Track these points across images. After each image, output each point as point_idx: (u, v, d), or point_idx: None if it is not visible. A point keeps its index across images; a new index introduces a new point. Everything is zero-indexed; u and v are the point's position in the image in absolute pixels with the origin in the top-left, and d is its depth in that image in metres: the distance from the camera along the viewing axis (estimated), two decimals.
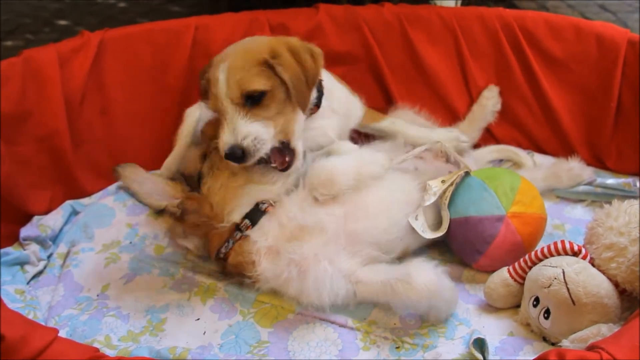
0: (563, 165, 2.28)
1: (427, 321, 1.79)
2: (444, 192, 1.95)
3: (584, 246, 1.74)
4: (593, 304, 1.60)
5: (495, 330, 1.75)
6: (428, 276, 1.70)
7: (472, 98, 2.49)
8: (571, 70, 2.37)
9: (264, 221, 1.82)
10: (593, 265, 1.68)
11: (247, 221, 1.82)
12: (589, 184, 2.24)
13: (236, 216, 1.83)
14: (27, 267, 1.99)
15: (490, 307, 1.83)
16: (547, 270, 1.66)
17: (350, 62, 2.48)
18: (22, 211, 2.12)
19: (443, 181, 1.94)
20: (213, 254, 1.88)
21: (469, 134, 2.38)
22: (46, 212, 2.17)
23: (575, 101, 2.39)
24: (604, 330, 1.54)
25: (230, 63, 1.77)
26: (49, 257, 2.07)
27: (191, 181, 1.91)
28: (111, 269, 2.01)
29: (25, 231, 2.06)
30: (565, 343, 1.57)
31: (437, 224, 1.96)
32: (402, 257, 1.92)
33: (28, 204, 2.13)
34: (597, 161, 2.35)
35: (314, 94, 1.92)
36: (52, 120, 2.15)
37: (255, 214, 1.83)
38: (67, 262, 2.03)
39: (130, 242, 2.11)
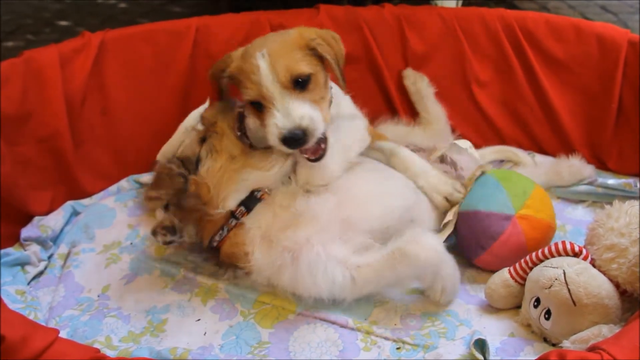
0: (564, 162, 2.29)
1: (431, 306, 1.82)
2: None
3: (584, 247, 1.74)
4: (594, 305, 1.60)
5: (496, 330, 1.75)
6: (430, 240, 1.73)
7: (473, 98, 2.49)
8: (572, 71, 2.37)
9: (258, 208, 1.83)
10: (594, 266, 1.68)
11: (242, 208, 1.83)
12: (590, 183, 2.24)
13: (231, 203, 1.83)
14: (28, 268, 1.99)
15: (491, 308, 1.83)
16: (548, 271, 1.66)
17: (350, 63, 2.47)
18: (23, 212, 2.12)
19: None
20: (206, 241, 1.89)
21: (432, 118, 2.42)
22: (47, 213, 2.17)
23: (576, 102, 2.39)
24: (605, 331, 1.54)
25: (269, 51, 1.76)
26: (50, 257, 2.07)
27: (188, 164, 1.88)
28: (112, 269, 2.01)
29: (25, 232, 2.06)
30: (566, 344, 1.57)
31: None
32: None
33: (29, 205, 2.13)
34: (598, 162, 2.35)
35: None
36: (53, 121, 2.15)
37: (250, 201, 1.83)
38: (67, 262, 2.03)
39: (131, 243, 2.11)
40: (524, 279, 1.76)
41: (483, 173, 2.01)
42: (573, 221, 2.17)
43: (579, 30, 2.34)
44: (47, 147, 2.16)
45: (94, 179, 2.31)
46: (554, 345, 1.68)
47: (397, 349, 1.70)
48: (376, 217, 1.85)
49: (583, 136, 2.39)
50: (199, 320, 1.82)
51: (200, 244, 1.98)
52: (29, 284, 1.97)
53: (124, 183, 2.35)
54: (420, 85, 2.45)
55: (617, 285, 1.65)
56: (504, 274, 1.80)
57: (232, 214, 1.84)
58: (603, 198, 2.21)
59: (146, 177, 2.35)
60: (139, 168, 2.38)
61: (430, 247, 1.72)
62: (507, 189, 1.92)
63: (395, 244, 1.74)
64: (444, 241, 1.95)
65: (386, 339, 1.73)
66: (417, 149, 2.13)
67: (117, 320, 1.82)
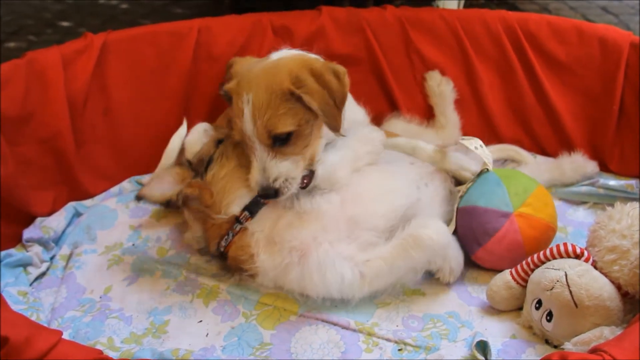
0: (566, 159, 2.30)
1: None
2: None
3: (586, 249, 1.74)
4: (595, 307, 1.60)
5: (497, 332, 1.75)
6: (439, 223, 1.79)
7: (475, 100, 2.49)
8: (574, 73, 2.37)
9: (262, 212, 1.83)
10: (595, 267, 1.68)
11: (246, 213, 1.83)
12: (592, 184, 2.24)
13: (235, 208, 1.84)
14: (30, 269, 2.00)
15: (492, 310, 1.83)
16: (550, 273, 1.66)
17: (352, 65, 2.47)
18: (25, 213, 2.12)
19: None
20: (212, 247, 1.89)
21: (447, 123, 2.43)
22: (49, 214, 2.17)
23: (577, 103, 2.39)
24: (607, 332, 1.54)
25: (254, 97, 1.71)
26: (52, 258, 2.07)
27: (199, 166, 1.90)
28: (114, 270, 2.01)
29: (28, 233, 2.07)
30: (568, 346, 1.57)
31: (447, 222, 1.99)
32: None
33: (31, 206, 2.13)
34: (600, 163, 2.35)
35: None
36: (55, 122, 2.15)
37: (254, 206, 1.84)
38: (69, 263, 2.03)
39: (133, 244, 2.11)
40: (526, 281, 1.76)
41: (487, 170, 2.01)
42: (574, 223, 2.18)
43: (581, 32, 2.34)
44: (49, 148, 2.17)
45: (96, 179, 2.32)
46: (555, 347, 1.68)
47: (399, 350, 1.70)
48: (380, 215, 1.85)
49: (584, 137, 2.39)
50: (200, 321, 1.82)
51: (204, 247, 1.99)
52: (31, 285, 1.97)
53: (125, 184, 2.35)
54: (444, 89, 2.46)
55: (618, 287, 1.65)
56: (505, 276, 1.80)
57: (236, 219, 1.84)
58: (604, 199, 2.21)
59: (148, 178, 2.35)
60: (140, 169, 2.39)
61: (440, 229, 1.77)
62: (508, 186, 1.93)
63: (405, 232, 1.77)
64: None
65: (388, 340, 1.73)
66: None
67: (119, 321, 1.82)
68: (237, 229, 1.84)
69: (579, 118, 2.39)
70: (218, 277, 1.95)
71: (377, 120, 2.35)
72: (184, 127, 2.13)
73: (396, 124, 2.37)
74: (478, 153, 2.05)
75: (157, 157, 2.34)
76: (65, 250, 2.09)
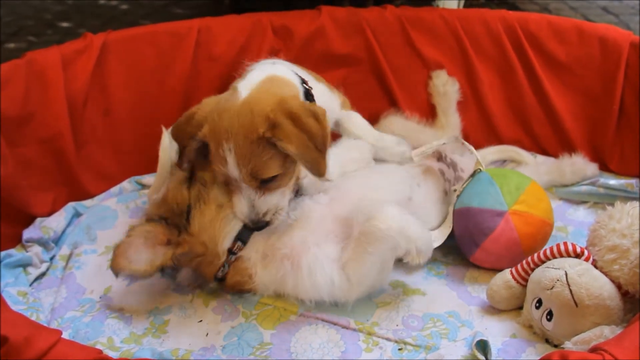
0: (567, 160, 2.30)
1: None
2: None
3: (586, 248, 1.74)
4: (596, 306, 1.60)
5: (497, 332, 1.75)
6: (386, 211, 1.72)
7: (475, 99, 2.49)
8: (574, 73, 2.37)
9: (253, 237, 1.81)
10: (596, 267, 1.68)
11: (239, 243, 1.80)
12: (592, 184, 2.24)
13: (227, 243, 1.80)
14: (30, 269, 1.99)
15: (492, 309, 1.83)
16: (550, 272, 1.66)
17: (352, 64, 2.49)
18: (25, 213, 2.12)
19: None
20: (211, 280, 1.85)
21: (449, 124, 2.43)
22: (49, 214, 2.17)
23: (577, 103, 2.39)
24: (607, 332, 1.54)
25: (235, 147, 1.67)
26: (52, 259, 2.07)
27: (179, 219, 1.81)
28: None
29: (27, 233, 2.06)
30: (568, 345, 1.57)
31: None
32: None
33: (31, 206, 2.13)
34: (600, 163, 2.35)
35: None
36: (55, 122, 2.15)
37: (244, 234, 1.80)
38: (69, 264, 2.03)
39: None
40: (526, 280, 1.76)
41: (479, 171, 2.01)
42: (575, 222, 2.18)
43: (581, 32, 2.34)
44: (49, 148, 2.16)
45: (96, 180, 2.31)
46: (555, 346, 1.68)
47: (399, 349, 1.70)
48: (368, 212, 1.83)
49: (584, 137, 2.39)
50: (200, 321, 1.82)
51: None
52: (30, 285, 1.96)
53: (125, 184, 2.35)
54: (449, 89, 2.45)
55: (618, 287, 1.65)
56: (505, 275, 1.80)
57: (229, 251, 1.80)
58: (605, 199, 2.21)
59: (148, 178, 2.35)
60: (140, 169, 2.38)
61: (386, 216, 1.70)
62: (500, 185, 1.94)
63: (358, 229, 1.75)
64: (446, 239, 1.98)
65: (388, 340, 1.73)
66: (413, 147, 2.13)
67: (119, 321, 1.81)
68: (232, 259, 1.81)
69: (579, 118, 2.39)
70: None
71: (375, 119, 2.35)
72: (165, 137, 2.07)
73: (394, 121, 2.36)
74: (473, 152, 2.05)
75: (157, 158, 2.34)
76: (65, 250, 2.09)
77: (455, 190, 2.03)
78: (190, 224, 1.78)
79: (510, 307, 1.81)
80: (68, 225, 2.18)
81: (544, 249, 1.76)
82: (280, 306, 1.83)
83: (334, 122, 2.03)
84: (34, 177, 2.14)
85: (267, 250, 1.79)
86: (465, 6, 3.05)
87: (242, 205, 1.74)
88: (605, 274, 1.65)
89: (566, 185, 2.29)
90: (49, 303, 1.90)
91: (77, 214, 2.23)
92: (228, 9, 3.90)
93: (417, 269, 1.99)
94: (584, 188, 2.25)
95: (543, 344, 1.70)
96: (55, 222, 2.14)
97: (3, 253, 1.99)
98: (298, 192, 1.84)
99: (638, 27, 3.88)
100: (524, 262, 1.79)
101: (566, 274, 1.63)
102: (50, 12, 4.38)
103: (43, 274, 2.02)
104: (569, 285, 1.61)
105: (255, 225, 1.75)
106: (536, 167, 2.32)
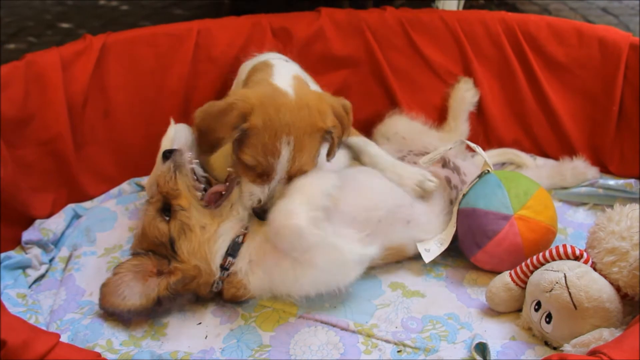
0: (568, 164, 2.29)
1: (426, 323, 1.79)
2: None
3: (585, 250, 1.74)
4: (595, 309, 1.60)
5: (497, 334, 1.75)
6: (278, 211, 1.71)
7: (476, 101, 2.49)
8: (574, 74, 2.37)
9: (243, 250, 1.81)
10: (595, 269, 1.68)
11: (230, 259, 1.80)
12: (591, 185, 2.24)
13: (219, 260, 1.80)
14: (29, 271, 2.00)
15: (492, 311, 1.83)
16: (549, 275, 1.66)
17: (352, 66, 2.49)
18: (24, 215, 2.12)
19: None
20: (207, 295, 1.85)
21: (457, 129, 2.42)
22: (48, 216, 2.17)
23: (577, 105, 2.39)
24: (606, 334, 1.54)
25: (296, 140, 1.74)
26: (51, 260, 2.07)
27: (164, 250, 1.80)
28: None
29: (27, 235, 2.07)
30: (567, 347, 1.57)
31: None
32: (399, 260, 1.99)
33: (30, 208, 2.13)
34: (600, 165, 2.35)
35: None
36: (55, 124, 2.15)
37: (234, 249, 1.81)
38: (69, 265, 2.03)
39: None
40: (525, 283, 1.76)
41: (487, 172, 2.00)
42: (574, 224, 2.18)
43: (581, 34, 2.34)
44: (49, 150, 2.17)
45: (96, 181, 2.32)
46: (555, 348, 1.68)
47: (398, 352, 1.70)
48: (361, 208, 1.85)
49: (584, 139, 2.39)
50: (200, 323, 1.82)
51: None
52: (30, 287, 1.97)
53: (125, 186, 2.35)
54: (468, 96, 2.44)
55: (618, 289, 1.65)
56: (504, 278, 1.80)
57: (221, 267, 1.81)
58: (604, 200, 2.22)
59: (147, 180, 2.35)
60: (140, 171, 2.38)
61: (277, 220, 1.70)
62: (508, 189, 1.93)
63: None
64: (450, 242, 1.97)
65: (387, 341, 1.73)
66: (420, 152, 2.13)
67: (118, 323, 1.81)
68: (225, 275, 1.81)
69: (578, 119, 2.39)
70: None
71: (375, 120, 2.34)
72: (171, 128, 2.11)
73: (398, 120, 2.35)
74: (480, 153, 2.04)
75: (155, 159, 2.34)
76: (64, 252, 2.09)
77: (460, 192, 2.02)
78: (178, 253, 1.78)
79: (509, 309, 1.81)
80: (67, 227, 2.18)
81: (543, 251, 1.76)
82: (280, 308, 1.83)
83: None
84: (33, 179, 2.14)
85: (259, 258, 1.79)
86: (465, 7, 3.05)
87: (262, 193, 1.77)
88: (605, 276, 1.65)
89: (566, 188, 2.28)
90: (48, 305, 1.90)
91: (76, 216, 2.23)
92: (228, 10, 3.91)
93: (417, 271, 1.99)
94: (583, 189, 2.25)
95: (542, 347, 1.70)
96: (55, 223, 2.14)
97: (2, 255, 1.99)
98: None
99: (638, 28, 3.88)
100: (523, 264, 1.78)
101: (565, 277, 1.63)
102: (50, 13, 4.38)
103: (42, 276, 2.02)
104: (568, 287, 1.61)
105: (262, 210, 1.78)
106: (536, 170, 2.32)
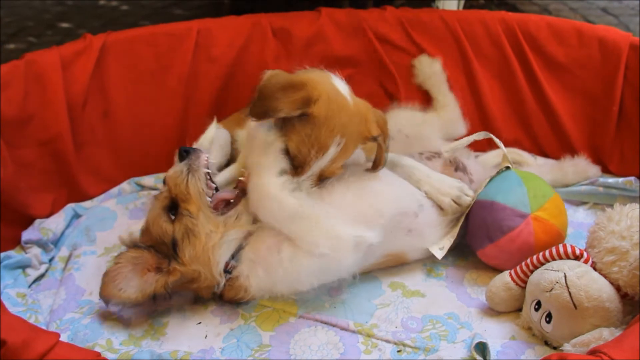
0: (569, 162, 2.29)
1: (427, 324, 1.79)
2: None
3: (585, 250, 1.74)
4: (595, 308, 1.60)
5: (497, 333, 1.75)
6: (250, 191, 1.75)
7: (476, 100, 2.49)
8: (573, 74, 2.37)
9: (245, 253, 1.79)
10: (595, 269, 1.67)
11: (232, 262, 1.79)
12: (591, 183, 2.24)
13: (221, 266, 1.78)
14: (29, 271, 2.00)
15: (492, 311, 1.83)
16: (549, 274, 1.66)
17: (353, 66, 2.49)
18: (24, 214, 2.12)
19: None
20: (208, 297, 1.85)
21: (447, 101, 2.43)
22: (48, 216, 2.17)
23: (577, 105, 2.39)
24: (606, 334, 1.54)
25: (346, 143, 1.76)
26: (51, 260, 2.07)
27: (165, 248, 1.78)
28: None
29: (26, 234, 2.07)
30: (567, 347, 1.57)
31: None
32: (400, 264, 1.98)
33: (30, 207, 2.13)
34: (599, 164, 2.35)
35: None
36: (55, 124, 2.15)
37: (236, 252, 1.80)
38: (68, 265, 2.03)
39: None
40: (525, 282, 1.76)
41: (508, 168, 2.00)
42: (574, 224, 2.17)
43: (581, 34, 2.34)
44: (49, 150, 2.17)
45: (95, 181, 2.32)
46: (555, 348, 1.68)
47: (398, 351, 1.70)
48: (363, 213, 1.82)
49: (584, 139, 2.39)
50: (199, 323, 1.82)
51: None
52: (29, 286, 1.97)
53: (125, 185, 2.35)
54: (436, 68, 2.45)
55: (618, 289, 1.65)
56: (504, 277, 1.80)
57: (224, 270, 1.80)
58: (604, 199, 2.22)
59: (147, 179, 2.35)
60: (140, 170, 2.39)
61: (257, 185, 1.74)
62: (529, 188, 1.92)
63: None
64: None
65: (387, 341, 1.73)
66: (432, 155, 2.12)
67: (117, 323, 1.81)
68: (228, 278, 1.79)
69: (578, 119, 2.39)
70: None
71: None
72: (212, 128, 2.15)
73: (398, 116, 2.32)
74: (502, 148, 2.04)
75: (156, 159, 2.35)
76: (64, 251, 2.09)
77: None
78: (180, 255, 1.76)
79: (509, 308, 1.81)
80: (67, 226, 2.18)
81: (543, 251, 1.76)
82: (280, 308, 1.83)
83: None
84: (33, 179, 2.14)
85: (252, 256, 1.78)
86: (465, 7, 3.05)
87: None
88: (605, 276, 1.65)
89: (566, 186, 2.28)
90: (48, 305, 1.90)
91: (76, 215, 2.23)
92: (228, 10, 3.90)
93: (417, 271, 1.99)
94: (583, 188, 2.25)
95: (542, 346, 1.70)
96: (55, 223, 2.14)
97: (2, 254, 1.99)
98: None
99: (638, 29, 3.88)
100: (523, 264, 1.78)
101: (565, 276, 1.63)
102: (50, 13, 4.38)
103: (42, 276, 2.02)
104: (568, 287, 1.61)
105: None
106: (538, 167, 2.32)
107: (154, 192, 2.30)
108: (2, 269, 1.95)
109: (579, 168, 2.28)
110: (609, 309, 1.61)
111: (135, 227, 2.08)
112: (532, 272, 1.75)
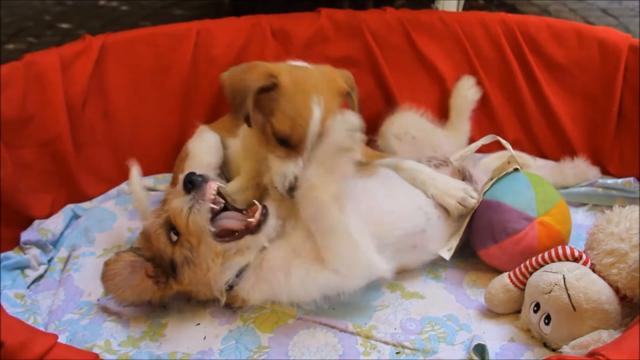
0: (569, 163, 2.30)
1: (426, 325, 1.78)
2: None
3: (584, 252, 1.74)
4: (594, 310, 1.60)
5: (496, 335, 1.75)
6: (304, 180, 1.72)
7: (476, 102, 2.48)
8: (573, 76, 2.37)
9: (248, 272, 1.77)
10: (594, 271, 1.67)
11: (236, 279, 1.77)
12: (591, 184, 2.24)
13: (221, 286, 1.77)
14: (28, 272, 2.00)
15: (491, 313, 1.83)
16: (548, 276, 1.66)
17: (352, 67, 2.47)
18: (23, 215, 2.12)
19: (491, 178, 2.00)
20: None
21: (461, 128, 2.42)
22: (47, 216, 2.17)
23: (577, 106, 2.39)
24: (605, 336, 1.54)
25: (325, 100, 1.77)
26: (50, 261, 2.07)
27: (161, 261, 1.77)
28: None
29: (25, 235, 2.06)
30: (566, 349, 1.57)
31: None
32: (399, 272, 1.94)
33: (29, 208, 2.13)
34: (599, 166, 2.35)
35: None
36: (54, 124, 2.15)
37: (240, 272, 1.78)
38: (67, 266, 2.03)
39: (131, 247, 2.10)
40: (524, 284, 1.76)
41: (517, 170, 2.00)
42: (574, 225, 2.14)
43: (580, 35, 2.34)
44: (48, 151, 2.17)
45: (95, 182, 2.32)
46: (553, 350, 1.68)
47: (397, 353, 1.70)
48: (371, 232, 1.78)
49: (584, 140, 2.39)
50: (198, 324, 1.82)
51: None
52: (28, 287, 1.97)
53: (124, 186, 2.35)
54: (470, 94, 2.44)
55: (617, 291, 1.65)
56: (503, 279, 1.80)
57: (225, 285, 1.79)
58: (603, 201, 2.22)
59: (147, 181, 2.35)
60: (149, 170, 2.38)
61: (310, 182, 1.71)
62: (537, 192, 1.91)
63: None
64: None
65: (386, 343, 1.73)
66: (440, 163, 2.10)
67: (116, 324, 1.81)
68: (228, 290, 1.78)
69: (578, 120, 2.39)
70: None
71: (375, 121, 2.33)
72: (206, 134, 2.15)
73: (408, 117, 2.32)
74: (510, 151, 2.04)
75: (155, 159, 2.35)
76: (63, 252, 2.09)
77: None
78: (179, 277, 1.76)
79: (508, 310, 1.81)
80: (66, 227, 2.18)
81: (542, 253, 1.76)
82: (278, 310, 1.82)
83: None
84: (32, 179, 2.14)
85: (256, 274, 1.76)
86: (464, 8, 3.05)
87: (296, 167, 1.76)
88: (604, 278, 1.65)
89: (566, 187, 2.28)
90: (46, 305, 1.90)
91: (75, 216, 2.23)
92: (227, 11, 3.91)
93: (416, 273, 1.99)
94: (582, 189, 2.25)
95: (541, 348, 1.70)
96: (54, 224, 2.14)
97: (1, 255, 2.00)
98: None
99: (638, 30, 3.88)
100: (522, 265, 1.78)
101: (564, 278, 1.63)
102: (50, 13, 4.38)
103: (41, 277, 2.02)
104: (566, 289, 1.61)
105: (291, 188, 1.76)
106: (538, 169, 2.31)
107: (153, 193, 2.30)
108: (1, 269, 1.95)
109: (579, 170, 2.28)
110: (607, 311, 1.61)
111: (133, 227, 2.08)
112: (531, 274, 1.75)
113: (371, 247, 1.72)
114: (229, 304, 1.82)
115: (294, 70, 1.82)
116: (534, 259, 1.76)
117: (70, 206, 2.23)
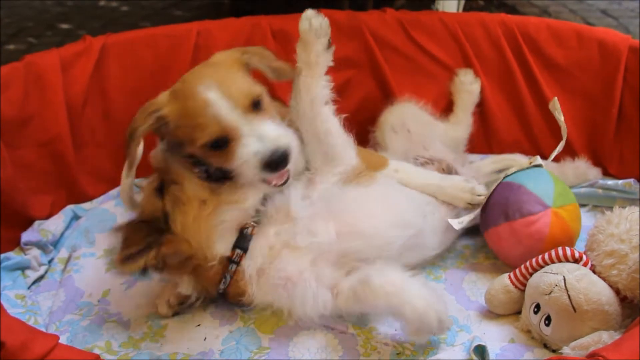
0: (569, 164, 2.30)
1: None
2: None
3: (584, 253, 1.74)
4: (594, 311, 1.60)
5: (496, 336, 1.75)
6: (386, 277, 1.65)
7: (476, 103, 2.49)
8: (573, 77, 2.37)
9: (252, 245, 1.76)
10: (594, 272, 1.67)
11: (238, 251, 1.75)
12: (591, 185, 2.24)
13: (220, 248, 1.74)
14: (28, 272, 2.00)
15: (491, 314, 1.83)
16: (548, 277, 1.66)
17: (352, 67, 2.48)
18: (24, 216, 2.12)
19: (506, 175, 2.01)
20: (214, 291, 1.81)
21: (465, 121, 2.42)
22: (48, 217, 2.18)
23: (577, 107, 2.39)
24: (605, 337, 1.54)
25: (215, 80, 1.67)
26: (50, 262, 2.07)
27: (157, 223, 1.72)
28: (112, 274, 2.00)
29: (26, 236, 2.07)
30: (566, 350, 1.57)
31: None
32: None
33: (29, 209, 2.13)
34: (599, 167, 2.35)
35: None
36: (54, 125, 2.15)
37: (244, 241, 1.76)
38: (68, 267, 2.03)
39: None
40: (524, 285, 1.76)
41: (539, 166, 2.01)
42: None
43: (580, 36, 2.34)
44: (48, 151, 2.17)
45: (95, 182, 2.32)
46: (554, 351, 1.68)
47: (397, 354, 1.70)
48: (376, 247, 1.80)
49: (584, 141, 2.39)
50: (199, 325, 1.82)
51: None
52: (29, 288, 1.97)
53: None
54: (475, 88, 2.44)
55: (617, 292, 1.65)
56: (504, 280, 1.80)
57: (230, 260, 1.76)
58: (603, 202, 2.22)
59: (147, 181, 2.35)
60: (139, 172, 2.37)
61: (380, 287, 1.64)
62: (556, 186, 1.93)
63: (356, 276, 1.71)
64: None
65: (386, 344, 1.73)
66: (425, 162, 2.12)
67: (117, 325, 1.82)
68: (234, 269, 1.76)
69: (578, 121, 2.39)
70: None
71: (374, 122, 2.33)
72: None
73: (406, 108, 2.31)
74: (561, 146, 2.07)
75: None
76: (63, 253, 2.09)
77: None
78: (172, 226, 1.71)
79: (508, 311, 1.81)
80: (67, 228, 2.18)
81: (542, 253, 1.76)
82: (279, 311, 1.82)
83: None
84: (32, 180, 2.14)
85: (265, 267, 1.75)
86: (464, 9, 3.05)
87: (252, 144, 1.65)
88: (604, 279, 1.65)
89: None
90: (47, 306, 1.91)
91: (75, 217, 2.23)
92: (227, 11, 3.91)
93: (416, 273, 1.98)
94: (582, 190, 2.25)
95: (541, 349, 1.70)
96: (54, 224, 2.14)
97: (2, 256, 2.00)
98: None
99: (638, 30, 3.88)
100: (522, 266, 1.78)
101: (564, 279, 1.63)
102: (50, 13, 4.38)
103: (41, 277, 2.02)
104: (567, 290, 1.61)
105: (275, 158, 1.65)
106: None
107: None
108: (2, 270, 1.95)
109: (579, 170, 2.28)
110: (608, 312, 1.61)
111: None
112: (531, 274, 1.75)
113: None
114: (234, 299, 1.81)
115: (182, 81, 1.76)
116: (534, 259, 1.76)
117: (70, 207, 2.23)
